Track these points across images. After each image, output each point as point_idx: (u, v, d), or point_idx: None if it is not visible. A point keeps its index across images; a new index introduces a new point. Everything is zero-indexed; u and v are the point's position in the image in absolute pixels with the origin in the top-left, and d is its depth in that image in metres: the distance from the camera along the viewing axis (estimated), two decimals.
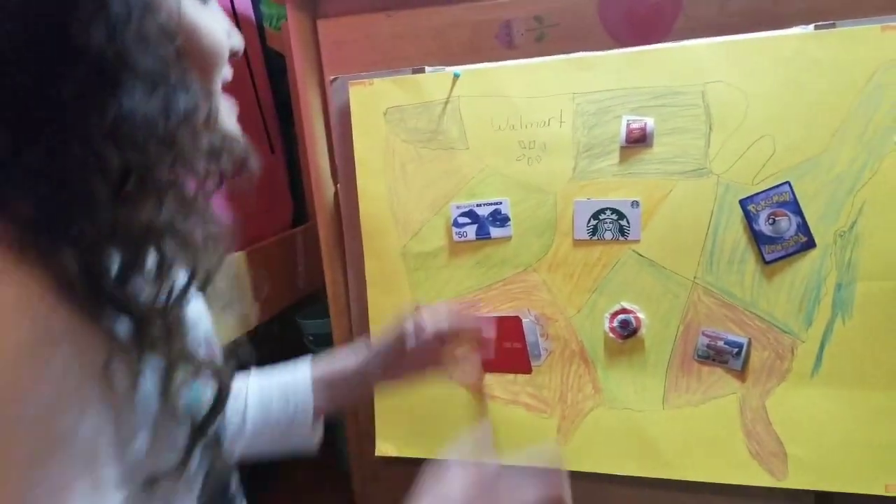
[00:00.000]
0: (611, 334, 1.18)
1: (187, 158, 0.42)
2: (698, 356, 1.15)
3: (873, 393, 1.07)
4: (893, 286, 1.05)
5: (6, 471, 0.33)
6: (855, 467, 1.08)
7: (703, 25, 1.15)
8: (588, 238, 1.19)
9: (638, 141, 1.15)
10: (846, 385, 1.08)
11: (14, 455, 0.33)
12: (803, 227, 1.09)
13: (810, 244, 1.09)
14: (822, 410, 1.10)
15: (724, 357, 1.14)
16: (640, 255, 1.16)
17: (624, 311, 1.18)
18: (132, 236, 0.39)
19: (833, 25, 1.06)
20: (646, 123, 1.14)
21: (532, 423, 1.24)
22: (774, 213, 1.10)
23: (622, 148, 1.16)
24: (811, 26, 1.07)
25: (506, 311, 1.23)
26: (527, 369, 1.21)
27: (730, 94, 1.10)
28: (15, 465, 0.33)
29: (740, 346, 1.13)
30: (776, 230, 1.10)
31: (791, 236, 1.09)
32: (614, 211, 1.17)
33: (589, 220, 1.18)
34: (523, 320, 1.22)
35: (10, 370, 0.33)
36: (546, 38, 1.22)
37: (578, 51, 1.17)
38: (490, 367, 1.24)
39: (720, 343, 1.14)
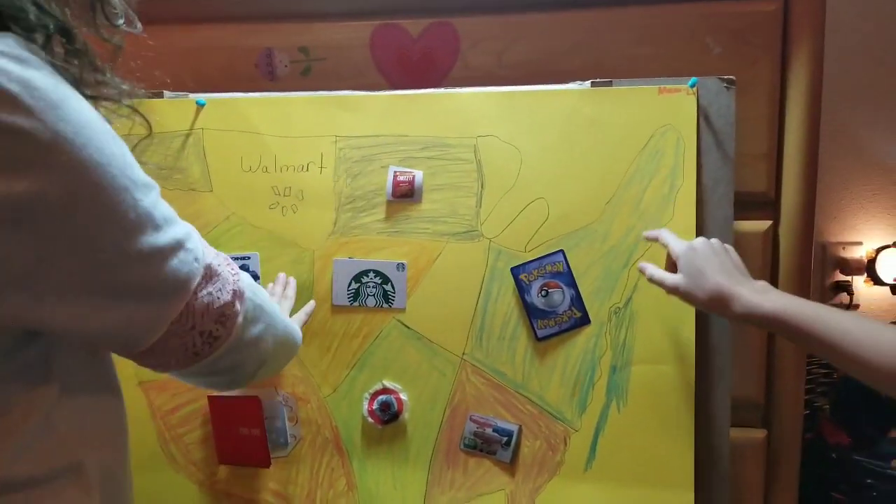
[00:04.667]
0: (370, 418, 1.00)
1: None
2: (465, 445, 1.00)
3: (649, 491, 0.96)
4: (668, 370, 0.96)
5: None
6: None
7: (480, 75, 1.04)
8: (348, 304, 1.01)
9: (405, 195, 1.00)
10: (621, 481, 0.96)
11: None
12: (577, 302, 0.98)
13: (585, 321, 0.98)
14: None
15: (493, 447, 0.99)
16: (406, 325, 1.00)
17: (385, 391, 1.00)
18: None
19: (610, 83, 0.98)
20: (414, 176, 1.00)
21: None
22: (547, 285, 0.98)
23: (388, 202, 1.01)
24: (588, 83, 0.98)
25: (248, 388, 1.02)
26: (265, 462, 1.00)
27: (503, 151, 0.99)
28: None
29: (510, 434, 0.98)
30: (549, 303, 0.98)
31: (564, 311, 0.98)
32: (378, 274, 1.01)
33: (350, 284, 1.01)
34: (268, 401, 1.01)
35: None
36: (312, 72, 1.06)
37: (348, 90, 1.02)
38: (224, 457, 1.02)
39: (488, 430, 0.99)
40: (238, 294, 0.57)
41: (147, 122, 0.64)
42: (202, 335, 0.55)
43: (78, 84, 0.48)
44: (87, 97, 0.47)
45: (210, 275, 0.54)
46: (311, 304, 0.99)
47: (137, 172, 0.48)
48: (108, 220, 0.45)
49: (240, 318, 0.58)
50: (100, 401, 0.56)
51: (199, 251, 0.53)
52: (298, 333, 0.79)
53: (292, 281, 0.99)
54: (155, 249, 0.48)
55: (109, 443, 0.57)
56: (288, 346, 0.73)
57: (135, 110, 0.60)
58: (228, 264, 0.59)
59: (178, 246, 0.50)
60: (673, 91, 0.96)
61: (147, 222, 0.47)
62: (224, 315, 0.56)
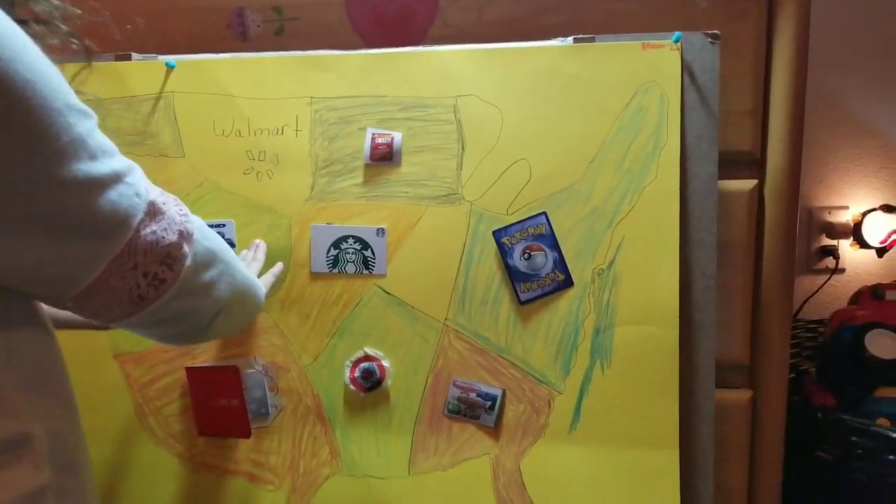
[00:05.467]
0: (352, 386, 0.98)
1: None
2: (448, 411, 0.98)
3: (634, 451, 0.95)
4: (652, 331, 0.95)
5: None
6: None
7: (459, 33, 1.01)
8: (328, 271, 0.99)
9: (384, 158, 0.97)
10: (605, 443, 0.96)
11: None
12: (560, 264, 0.96)
13: (568, 283, 0.96)
14: (580, 473, 0.96)
15: (477, 412, 0.98)
16: (386, 291, 0.98)
17: (367, 358, 0.99)
18: None
19: (593, 39, 0.95)
20: (393, 138, 0.97)
21: (256, 499, 1.00)
22: (530, 248, 0.96)
23: (366, 165, 0.98)
24: (570, 39, 0.95)
25: (226, 359, 1.00)
26: (245, 432, 0.98)
27: (483, 110, 0.96)
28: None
29: (494, 398, 0.97)
30: (532, 266, 0.96)
31: (547, 273, 0.96)
32: (357, 239, 0.98)
33: (329, 250, 0.99)
34: (247, 371, 0.99)
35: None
36: (286, 32, 1.03)
37: (323, 49, 0.99)
38: (203, 429, 1.00)
39: (472, 395, 0.98)
40: (185, 235, 0.54)
41: (86, 46, 0.60)
42: (146, 277, 0.52)
43: (4, 4, 0.45)
44: (18, 22, 0.44)
45: (154, 212, 0.52)
46: (280, 265, 0.96)
47: (71, 97, 0.45)
48: (38, 142, 0.42)
49: (188, 261, 0.55)
50: (44, 365, 0.53)
51: (142, 187, 0.51)
52: (261, 288, 0.76)
53: (262, 244, 0.96)
54: (90, 179, 0.45)
55: (56, 409, 0.54)
56: (248, 298, 0.70)
57: (71, 34, 0.56)
58: (177, 205, 0.56)
59: (116, 178, 0.48)
60: (657, 47, 0.94)
61: (81, 149, 0.45)
62: (170, 256, 0.53)
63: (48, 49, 0.54)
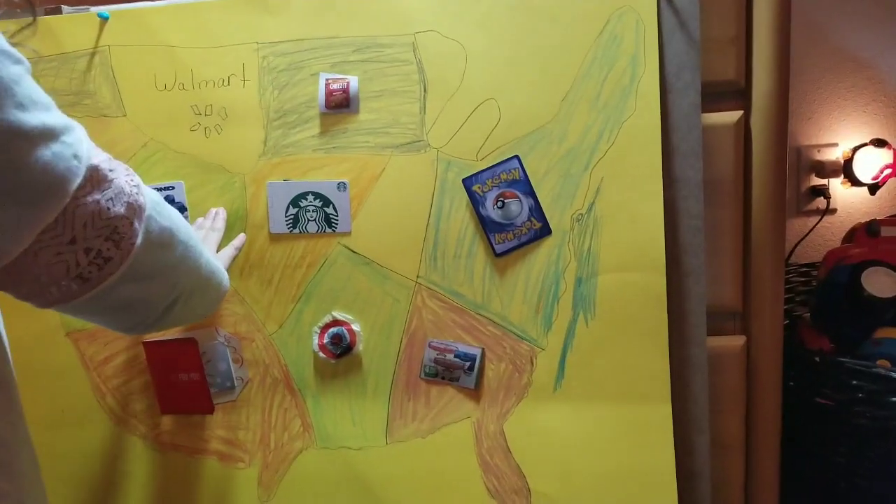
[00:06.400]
0: (321, 353, 0.92)
1: None
2: (425, 374, 0.92)
3: (623, 407, 0.90)
4: (638, 278, 0.89)
5: None
6: (609, 501, 0.90)
7: None
8: (288, 231, 0.92)
9: (340, 105, 0.90)
10: (593, 399, 0.90)
11: None
12: (536, 211, 0.89)
13: (545, 231, 0.90)
14: (568, 433, 0.91)
15: (455, 373, 0.92)
16: (352, 250, 0.92)
17: (336, 322, 0.92)
18: None
19: None
20: (348, 83, 0.89)
21: (226, 477, 0.94)
22: (503, 195, 0.89)
23: (322, 114, 0.91)
24: None
25: (186, 331, 0.93)
26: (207, 408, 0.92)
27: (445, 48, 0.89)
28: None
29: (473, 358, 0.91)
30: (506, 215, 0.89)
31: (523, 222, 0.90)
32: (318, 196, 0.91)
33: (287, 209, 0.92)
34: (208, 343, 0.93)
35: None
36: None
37: None
38: (166, 406, 0.94)
39: (449, 356, 0.91)
40: (136, 210, 0.48)
41: None
42: (88, 253, 0.45)
43: None
44: None
45: (97, 179, 0.45)
46: (242, 237, 0.89)
47: None
48: None
49: (138, 239, 0.48)
50: None
51: (82, 149, 0.44)
52: (224, 274, 0.70)
53: (221, 211, 0.89)
54: (14, 131, 0.39)
55: None
56: (210, 286, 0.64)
57: None
58: (128, 174, 0.49)
59: (49, 135, 0.41)
60: None
61: (5, 95, 0.38)
62: (117, 232, 0.46)
63: None
